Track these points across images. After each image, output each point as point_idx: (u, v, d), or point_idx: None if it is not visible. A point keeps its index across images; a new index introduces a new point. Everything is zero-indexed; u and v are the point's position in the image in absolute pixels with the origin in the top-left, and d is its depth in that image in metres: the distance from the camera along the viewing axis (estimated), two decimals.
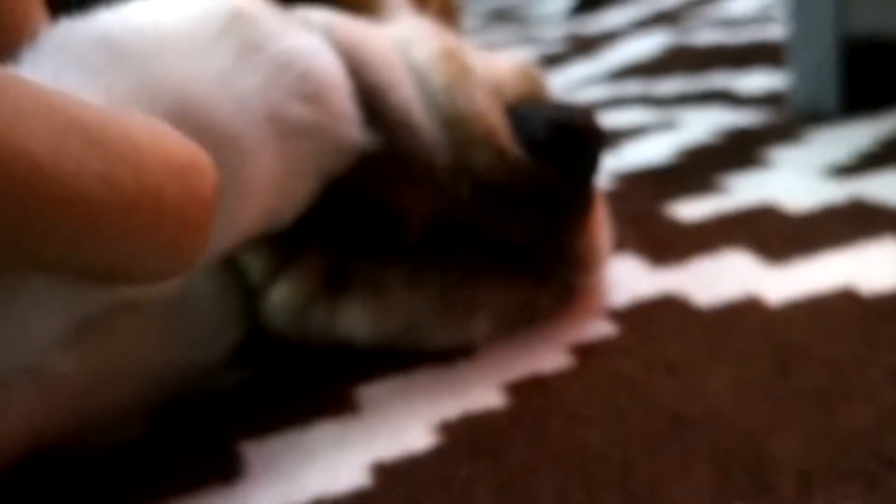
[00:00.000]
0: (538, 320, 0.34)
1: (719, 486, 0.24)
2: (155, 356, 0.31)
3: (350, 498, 0.26)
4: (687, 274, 0.38)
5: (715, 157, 0.53)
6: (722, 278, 0.36)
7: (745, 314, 0.33)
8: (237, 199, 0.24)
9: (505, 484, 0.26)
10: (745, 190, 0.46)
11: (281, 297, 0.33)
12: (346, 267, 0.33)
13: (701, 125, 0.60)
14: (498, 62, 0.34)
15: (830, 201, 0.42)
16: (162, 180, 0.15)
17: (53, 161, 0.13)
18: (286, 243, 0.33)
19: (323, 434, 0.30)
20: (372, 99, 0.30)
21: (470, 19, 1.40)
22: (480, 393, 0.31)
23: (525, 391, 0.31)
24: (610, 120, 0.66)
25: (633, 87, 0.76)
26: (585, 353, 0.33)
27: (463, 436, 0.29)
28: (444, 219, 0.32)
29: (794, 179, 0.46)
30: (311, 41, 0.27)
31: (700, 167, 0.51)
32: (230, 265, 0.33)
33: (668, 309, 0.35)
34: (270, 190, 0.25)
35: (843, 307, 0.32)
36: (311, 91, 0.26)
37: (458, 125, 0.31)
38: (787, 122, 0.57)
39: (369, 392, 0.32)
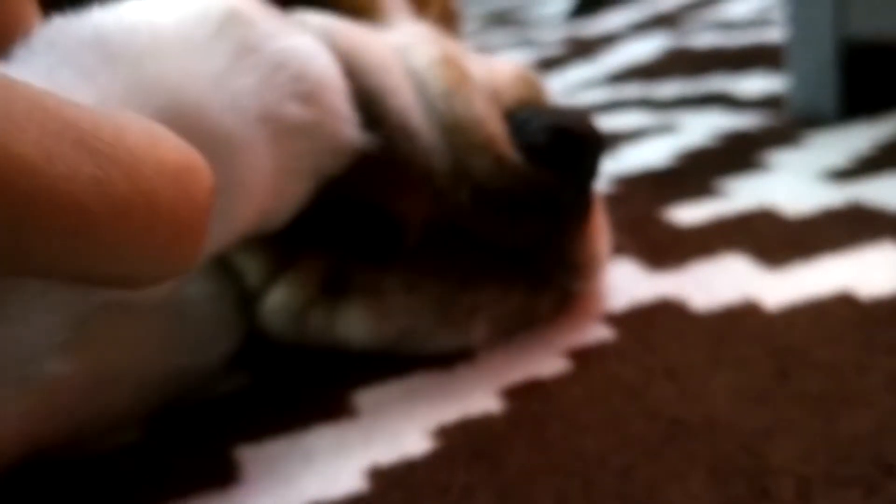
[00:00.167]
0: (537, 325, 0.34)
1: (718, 492, 0.24)
2: (153, 359, 0.31)
3: (347, 503, 0.26)
4: (685, 278, 0.37)
5: (713, 160, 0.53)
6: (720, 282, 0.36)
7: (744, 319, 0.33)
8: (231, 198, 0.24)
9: (503, 489, 0.26)
10: (743, 194, 0.46)
11: (279, 300, 0.33)
12: (344, 271, 0.33)
13: (700, 128, 0.60)
14: (497, 67, 0.34)
15: (829, 205, 0.42)
16: (156, 184, 0.15)
17: (46, 165, 0.13)
18: (284, 247, 0.33)
19: (320, 438, 0.30)
20: (371, 103, 0.30)
21: (468, 22, 1.39)
22: (479, 398, 0.31)
23: (524, 396, 0.31)
24: (609, 123, 0.66)
25: (632, 90, 0.76)
26: (584, 357, 0.33)
27: (461, 440, 0.29)
28: (443, 224, 0.32)
29: (792, 183, 0.46)
30: (306, 42, 0.27)
31: (699, 171, 0.51)
32: (228, 269, 0.33)
33: (667, 313, 0.35)
34: (265, 189, 0.25)
35: (842, 311, 0.32)
36: (305, 91, 0.26)
37: (456, 131, 0.31)
38: (786, 126, 0.57)
39: (367, 396, 0.32)
